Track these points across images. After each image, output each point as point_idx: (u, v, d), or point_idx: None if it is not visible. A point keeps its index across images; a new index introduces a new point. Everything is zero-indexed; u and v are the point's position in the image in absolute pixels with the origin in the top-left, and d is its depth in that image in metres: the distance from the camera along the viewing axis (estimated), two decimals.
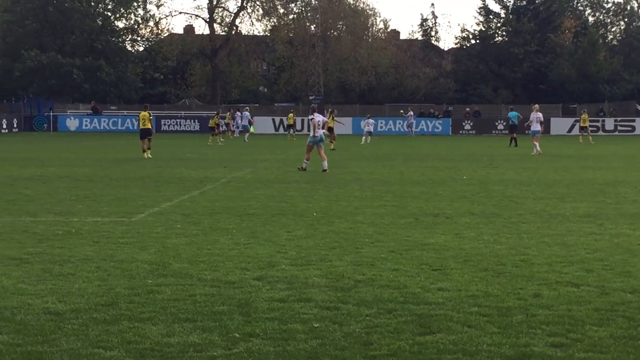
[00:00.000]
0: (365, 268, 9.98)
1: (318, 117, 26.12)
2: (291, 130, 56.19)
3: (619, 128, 64.23)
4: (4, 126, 61.26)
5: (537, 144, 34.74)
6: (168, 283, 9.09)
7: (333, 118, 41.18)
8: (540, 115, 35.72)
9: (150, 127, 32.33)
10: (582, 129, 48.42)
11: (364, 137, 48.62)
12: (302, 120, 62.20)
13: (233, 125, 57.57)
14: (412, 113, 60.78)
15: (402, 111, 62.57)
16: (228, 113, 58.71)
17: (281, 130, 64.86)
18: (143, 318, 7.64)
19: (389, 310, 7.95)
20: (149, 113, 32.83)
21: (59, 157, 31.98)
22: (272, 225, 13.56)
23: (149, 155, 31.51)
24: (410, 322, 7.57)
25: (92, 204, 16.58)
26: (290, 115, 57.85)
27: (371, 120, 51.29)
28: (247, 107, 60.36)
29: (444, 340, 7.00)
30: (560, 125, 64.50)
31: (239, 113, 51.24)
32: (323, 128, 26.48)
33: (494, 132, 64.41)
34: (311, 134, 25.87)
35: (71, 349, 6.74)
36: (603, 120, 65.15)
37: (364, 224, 13.80)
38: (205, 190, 19.55)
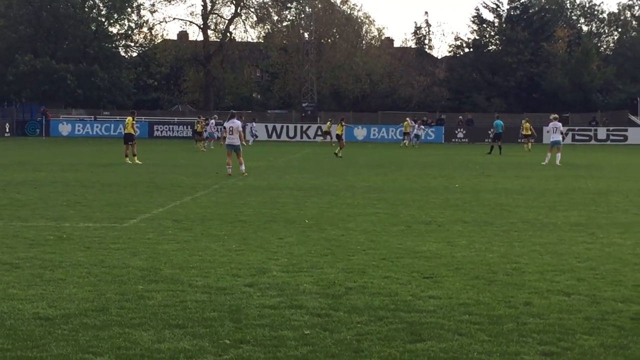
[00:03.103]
0: (356, 275, 9.98)
1: (236, 123, 26.14)
2: (327, 137, 57.85)
3: (612, 137, 64.43)
4: None
5: (559, 155, 33.23)
6: (159, 289, 9.08)
7: (342, 125, 42.23)
8: (559, 124, 34.34)
9: (132, 132, 32.80)
10: (524, 137, 48.42)
11: (410, 141, 53.81)
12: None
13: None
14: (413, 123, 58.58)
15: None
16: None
17: (274, 137, 65.18)
18: (133, 324, 7.62)
19: (380, 318, 7.94)
20: (132, 118, 33.75)
21: (51, 162, 31.93)
22: (263, 232, 13.55)
23: (137, 160, 31.70)
24: (401, 329, 7.56)
25: (84, 209, 16.55)
26: (328, 123, 57.79)
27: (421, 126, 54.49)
28: (238, 116, 60.34)
29: (435, 348, 7.00)
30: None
31: (212, 121, 49.95)
32: (233, 134, 25.95)
33: (486, 140, 64.28)
34: (227, 139, 25.98)
35: (61, 354, 6.72)
36: (595, 130, 65.35)
37: (356, 231, 13.80)
38: (197, 196, 19.53)
